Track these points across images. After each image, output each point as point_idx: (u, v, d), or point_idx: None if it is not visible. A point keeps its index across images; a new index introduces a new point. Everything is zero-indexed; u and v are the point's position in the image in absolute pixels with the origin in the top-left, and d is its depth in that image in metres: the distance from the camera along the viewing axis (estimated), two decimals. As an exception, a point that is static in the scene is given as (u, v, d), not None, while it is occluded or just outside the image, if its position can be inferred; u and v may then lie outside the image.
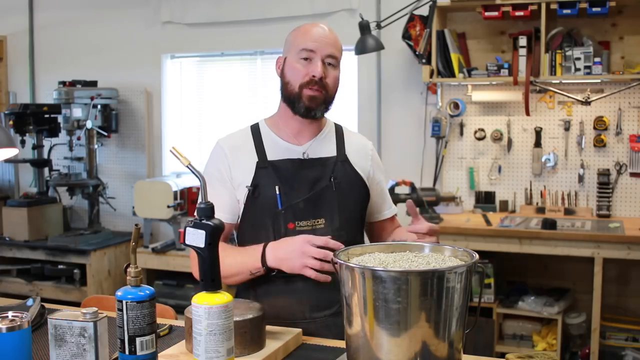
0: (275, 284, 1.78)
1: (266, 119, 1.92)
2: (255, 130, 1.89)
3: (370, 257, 1.46)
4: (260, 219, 1.80)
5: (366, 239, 2.02)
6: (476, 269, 1.40)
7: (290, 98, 1.81)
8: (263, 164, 1.81)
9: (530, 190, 3.95)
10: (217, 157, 1.87)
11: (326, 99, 1.82)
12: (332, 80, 1.81)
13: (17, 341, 1.35)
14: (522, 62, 3.65)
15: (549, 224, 3.41)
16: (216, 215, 1.40)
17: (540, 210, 3.86)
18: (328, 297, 1.77)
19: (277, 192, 1.77)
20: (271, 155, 1.83)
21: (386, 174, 2.07)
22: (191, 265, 1.84)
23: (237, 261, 1.73)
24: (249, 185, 1.80)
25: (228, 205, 1.81)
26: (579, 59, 3.55)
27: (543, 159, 3.90)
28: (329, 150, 1.87)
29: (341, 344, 1.62)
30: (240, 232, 1.87)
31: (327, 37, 1.80)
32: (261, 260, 1.69)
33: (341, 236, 1.78)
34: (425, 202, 3.69)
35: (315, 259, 1.61)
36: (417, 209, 1.74)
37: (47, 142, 4.61)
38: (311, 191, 1.80)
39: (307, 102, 1.79)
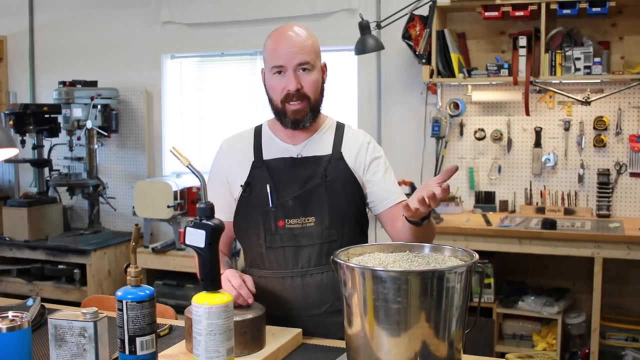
0: (266, 281, 1.80)
1: (269, 120, 1.93)
2: (258, 130, 1.92)
3: (370, 257, 1.46)
4: (252, 217, 1.81)
5: (370, 237, 2.00)
6: (476, 268, 1.40)
7: (277, 113, 1.82)
8: (258, 163, 1.83)
9: (530, 190, 3.95)
10: (217, 157, 1.94)
11: (311, 106, 1.79)
12: (311, 85, 1.77)
13: (17, 341, 1.35)
14: (522, 62, 3.65)
15: (549, 224, 3.41)
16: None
17: (540, 210, 3.86)
18: (318, 297, 1.78)
19: (269, 190, 1.78)
20: (267, 155, 1.85)
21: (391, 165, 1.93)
22: (195, 265, 1.85)
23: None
24: (243, 183, 1.82)
25: (224, 204, 1.83)
26: (578, 59, 3.56)
27: (543, 159, 3.90)
28: (324, 148, 1.85)
29: (341, 343, 1.62)
30: (234, 230, 1.89)
31: (294, 46, 1.74)
32: None
33: (332, 235, 1.78)
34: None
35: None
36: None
37: (47, 142, 4.61)
38: (302, 189, 1.79)
39: (292, 116, 1.78)
